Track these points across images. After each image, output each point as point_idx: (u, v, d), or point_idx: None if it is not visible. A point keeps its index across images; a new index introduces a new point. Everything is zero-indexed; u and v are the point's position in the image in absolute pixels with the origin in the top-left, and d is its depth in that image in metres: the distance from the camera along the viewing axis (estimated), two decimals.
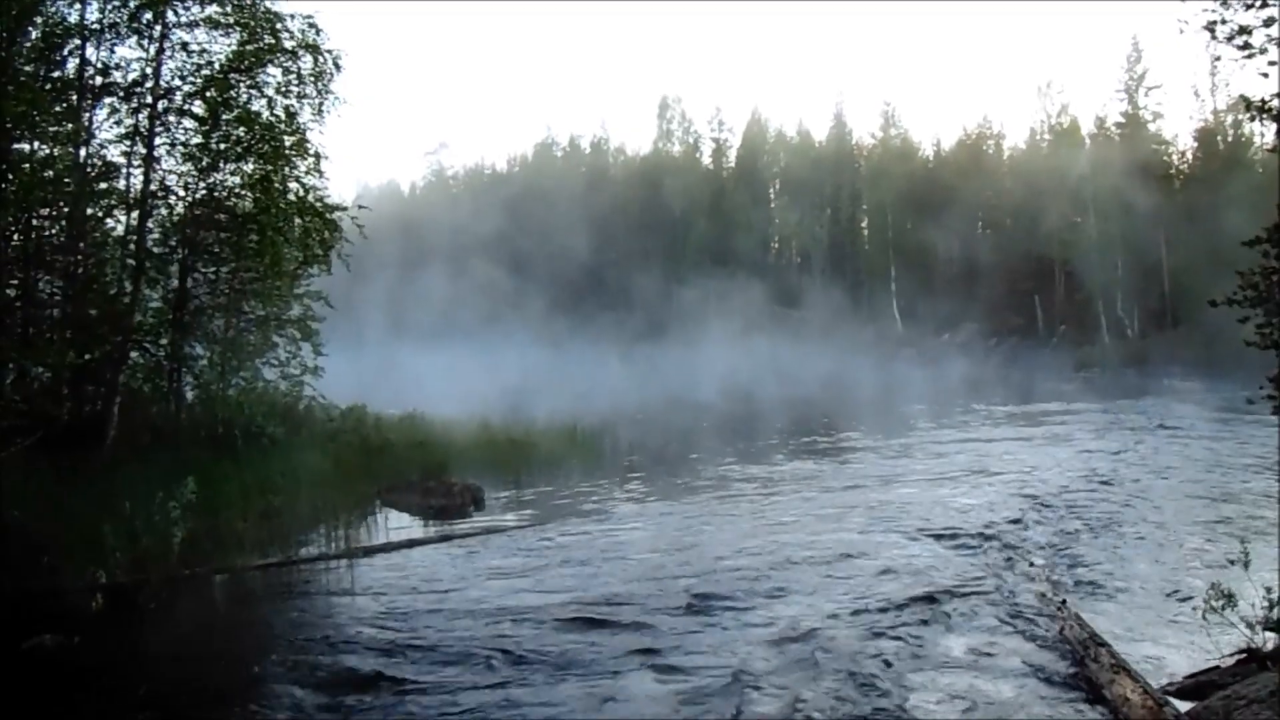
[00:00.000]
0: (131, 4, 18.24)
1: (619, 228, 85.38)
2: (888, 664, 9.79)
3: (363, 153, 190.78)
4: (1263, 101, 13.06)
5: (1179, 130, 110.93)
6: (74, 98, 17.81)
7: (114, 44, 18.41)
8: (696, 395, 42.54)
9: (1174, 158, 75.89)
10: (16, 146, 16.07)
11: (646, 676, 9.52)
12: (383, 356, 47.24)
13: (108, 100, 18.29)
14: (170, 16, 18.52)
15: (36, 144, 16.58)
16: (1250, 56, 13.04)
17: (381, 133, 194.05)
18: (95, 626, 11.09)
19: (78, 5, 17.95)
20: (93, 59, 18.23)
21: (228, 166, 19.17)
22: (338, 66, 19.75)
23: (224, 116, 18.76)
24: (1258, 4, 12.89)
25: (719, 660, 9.90)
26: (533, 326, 74.26)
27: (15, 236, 16.62)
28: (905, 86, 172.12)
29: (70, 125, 17.31)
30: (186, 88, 18.74)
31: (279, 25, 19.13)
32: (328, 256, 20.27)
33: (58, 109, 17.08)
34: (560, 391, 40.15)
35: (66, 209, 17.56)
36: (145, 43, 18.50)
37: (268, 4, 19.21)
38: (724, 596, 12.19)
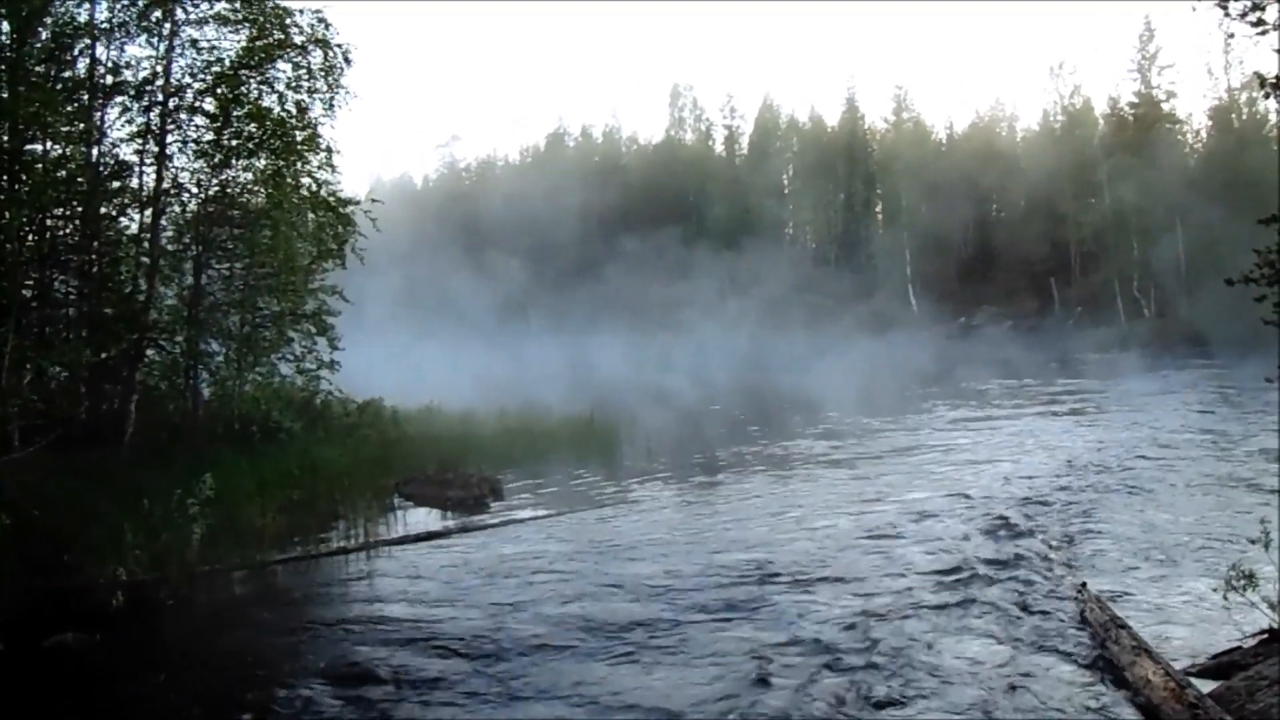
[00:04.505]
0: (140, 2, 18.28)
1: (631, 216, 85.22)
2: (907, 649, 9.77)
3: (375, 147, 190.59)
4: (1277, 78, 12.99)
5: (1193, 109, 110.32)
6: (85, 97, 17.85)
7: (124, 43, 18.49)
8: (712, 384, 42.49)
9: (1188, 136, 75.62)
10: (29, 147, 16.14)
11: (666, 668, 9.52)
12: (385, 347, 47.23)
13: (119, 99, 18.35)
14: (179, 14, 18.57)
15: (49, 144, 16.66)
16: (1264, 33, 12.94)
17: (394, 127, 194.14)
18: (116, 623, 11.13)
19: (87, 4, 18.02)
20: (103, 58, 18.31)
21: (240, 163, 19.19)
22: (348, 61, 19.77)
23: (235, 113, 18.79)
24: None
25: (740, 650, 9.89)
26: (545, 316, 74.32)
27: (30, 236, 16.67)
28: (917, 70, 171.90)
29: (82, 125, 17.37)
30: (197, 85, 18.79)
31: (288, 20, 19.14)
32: (341, 251, 20.32)
33: (69, 109, 17.13)
34: (570, 383, 40.14)
35: (80, 208, 17.63)
36: (155, 41, 18.56)
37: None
38: (741, 585, 12.18)
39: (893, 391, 39.38)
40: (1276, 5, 12.79)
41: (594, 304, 74.62)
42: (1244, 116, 72.71)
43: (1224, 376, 40.35)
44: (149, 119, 18.49)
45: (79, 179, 17.12)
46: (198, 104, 18.83)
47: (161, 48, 18.55)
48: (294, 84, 19.31)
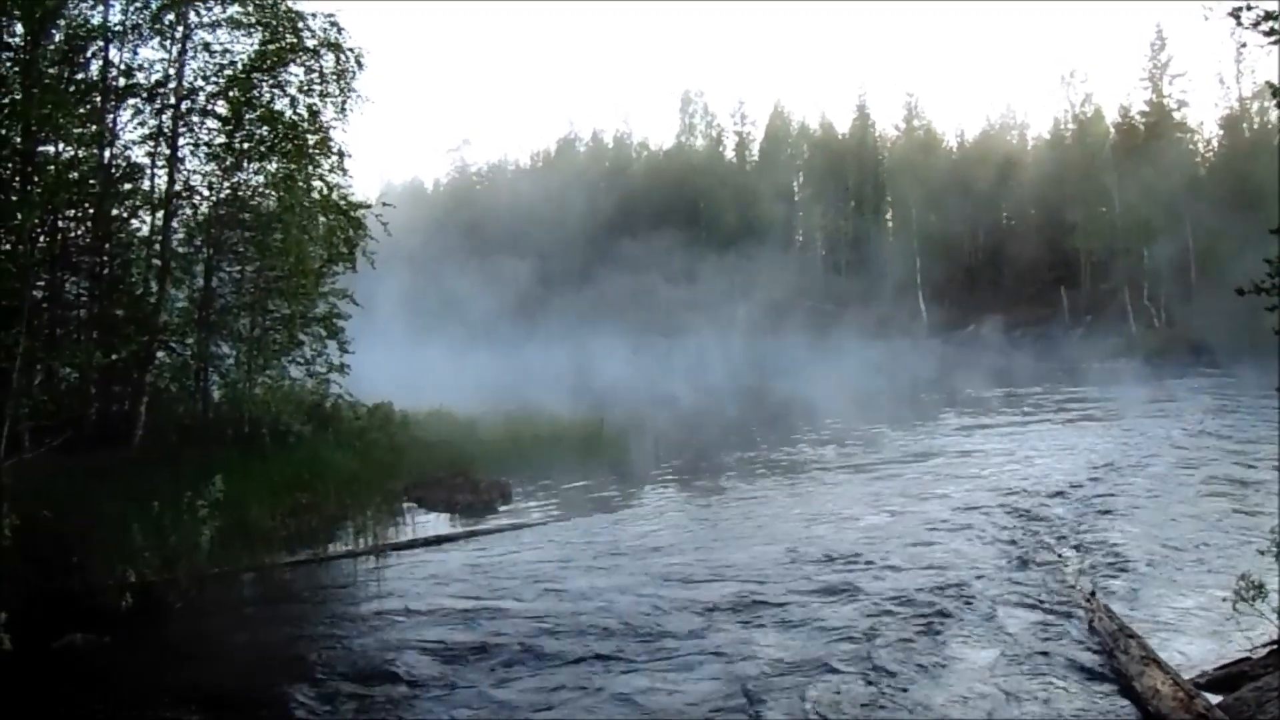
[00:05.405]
0: (153, 5, 18.33)
1: (640, 221, 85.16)
2: (916, 657, 9.76)
3: (387, 150, 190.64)
4: None
5: (1204, 118, 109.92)
6: (98, 99, 17.88)
7: (137, 45, 18.53)
8: (720, 389, 42.51)
9: (1199, 145, 75.42)
10: (42, 148, 16.15)
11: (667, 675, 9.51)
12: (392, 349, 47.27)
13: (131, 101, 18.39)
14: (192, 17, 18.63)
15: (61, 146, 16.68)
16: (1276, 42, 12.93)
17: (405, 130, 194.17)
18: (125, 625, 11.15)
19: (100, 7, 18.06)
20: (116, 60, 18.35)
21: (251, 166, 19.24)
22: (360, 64, 19.80)
23: (247, 116, 18.83)
24: None
25: (744, 654, 9.89)
26: (553, 320, 74.28)
27: (42, 238, 16.67)
28: (928, 77, 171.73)
29: (94, 127, 17.40)
30: (209, 88, 18.85)
31: (300, 24, 19.19)
32: (352, 254, 20.34)
33: (82, 111, 17.14)
34: (578, 387, 40.13)
35: (92, 210, 17.67)
36: (168, 44, 18.63)
37: (289, 3, 19.28)
38: (747, 593, 12.17)
39: (900, 399, 39.32)
40: None
41: (602, 308, 74.51)
42: (1255, 126, 72.56)
43: (1234, 385, 40.24)
44: (161, 121, 18.55)
45: (91, 181, 17.16)
46: (210, 107, 18.90)
47: (174, 51, 18.63)
48: (306, 87, 19.36)
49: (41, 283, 16.81)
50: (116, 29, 18.11)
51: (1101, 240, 71.99)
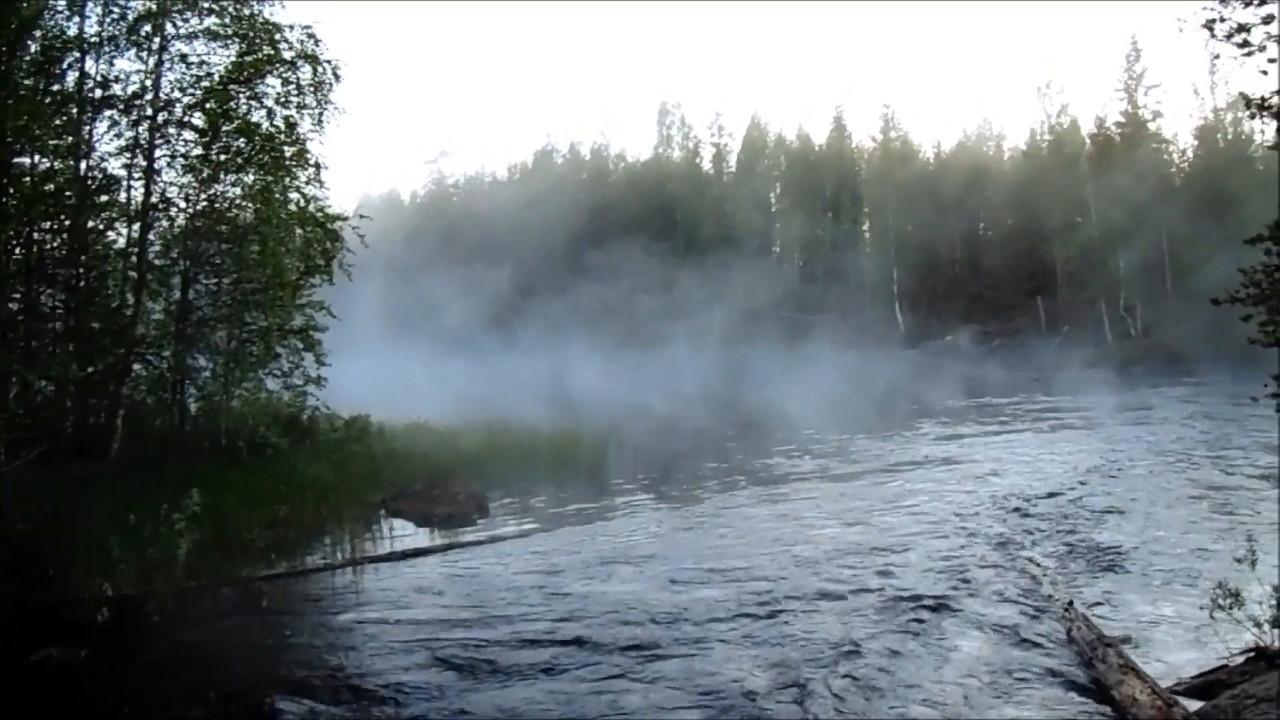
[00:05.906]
0: (130, 16, 18.32)
1: (617, 233, 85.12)
2: (892, 666, 9.76)
3: (363, 162, 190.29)
4: (1262, 99, 13.08)
5: (1179, 129, 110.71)
6: (74, 110, 17.85)
7: (113, 56, 18.53)
8: (696, 400, 42.51)
9: (1174, 156, 75.89)
10: (17, 160, 16.11)
11: (649, 686, 9.49)
12: (370, 360, 47.17)
13: (108, 113, 18.37)
14: (169, 28, 18.62)
15: (37, 157, 16.65)
16: (1249, 54, 13.05)
17: (382, 142, 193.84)
18: (101, 638, 11.06)
19: (76, 18, 18.03)
20: (92, 72, 18.34)
21: (228, 178, 19.23)
22: (337, 76, 19.83)
23: (224, 128, 18.82)
24: (1256, 1, 12.91)
25: (723, 665, 9.87)
26: (530, 331, 74.25)
27: (17, 250, 16.64)
28: (904, 89, 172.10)
29: (70, 138, 17.37)
30: (186, 99, 18.82)
31: (278, 36, 19.20)
32: (329, 266, 20.31)
33: (58, 122, 17.12)
34: (556, 398, 40.11)
35: (67, 222, 17.62)
36: (144, 55, 18.61)
37: (266, 15, 19.28)
38: (727, 601, 12.16)
39: (876, 408, 39.38)
40: (1262, 27, 12.90)
41: (579, 319, 74.49)
42: (1229, 136, 73.05)
43: (1209, 393, 40.46)
44: (137, 133, 18.53)
45: (67, 192, 17.12)
46: (186, 118, 18.87)
47: (151, 62, 18.60)
48: (283, 99, 19.37)
49: (17, 295, 16.78)
50: (93, 40, 18.11)
51: (1077, 250, 72.32)
